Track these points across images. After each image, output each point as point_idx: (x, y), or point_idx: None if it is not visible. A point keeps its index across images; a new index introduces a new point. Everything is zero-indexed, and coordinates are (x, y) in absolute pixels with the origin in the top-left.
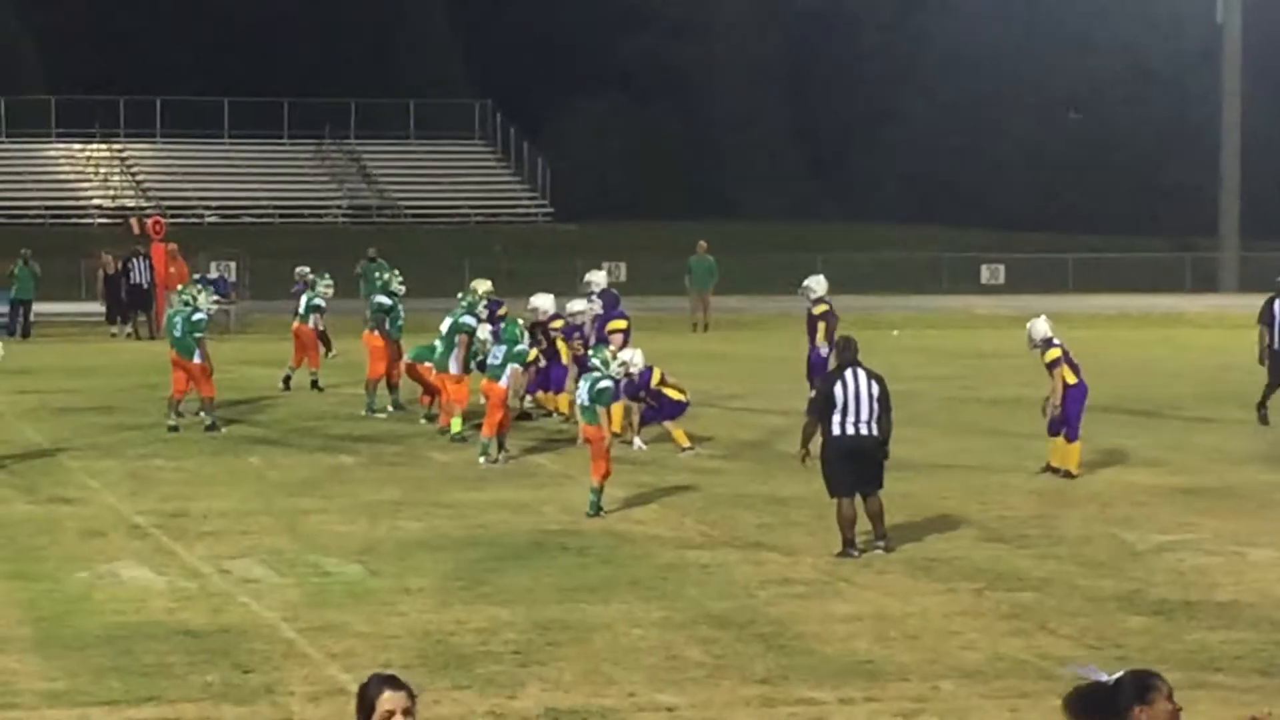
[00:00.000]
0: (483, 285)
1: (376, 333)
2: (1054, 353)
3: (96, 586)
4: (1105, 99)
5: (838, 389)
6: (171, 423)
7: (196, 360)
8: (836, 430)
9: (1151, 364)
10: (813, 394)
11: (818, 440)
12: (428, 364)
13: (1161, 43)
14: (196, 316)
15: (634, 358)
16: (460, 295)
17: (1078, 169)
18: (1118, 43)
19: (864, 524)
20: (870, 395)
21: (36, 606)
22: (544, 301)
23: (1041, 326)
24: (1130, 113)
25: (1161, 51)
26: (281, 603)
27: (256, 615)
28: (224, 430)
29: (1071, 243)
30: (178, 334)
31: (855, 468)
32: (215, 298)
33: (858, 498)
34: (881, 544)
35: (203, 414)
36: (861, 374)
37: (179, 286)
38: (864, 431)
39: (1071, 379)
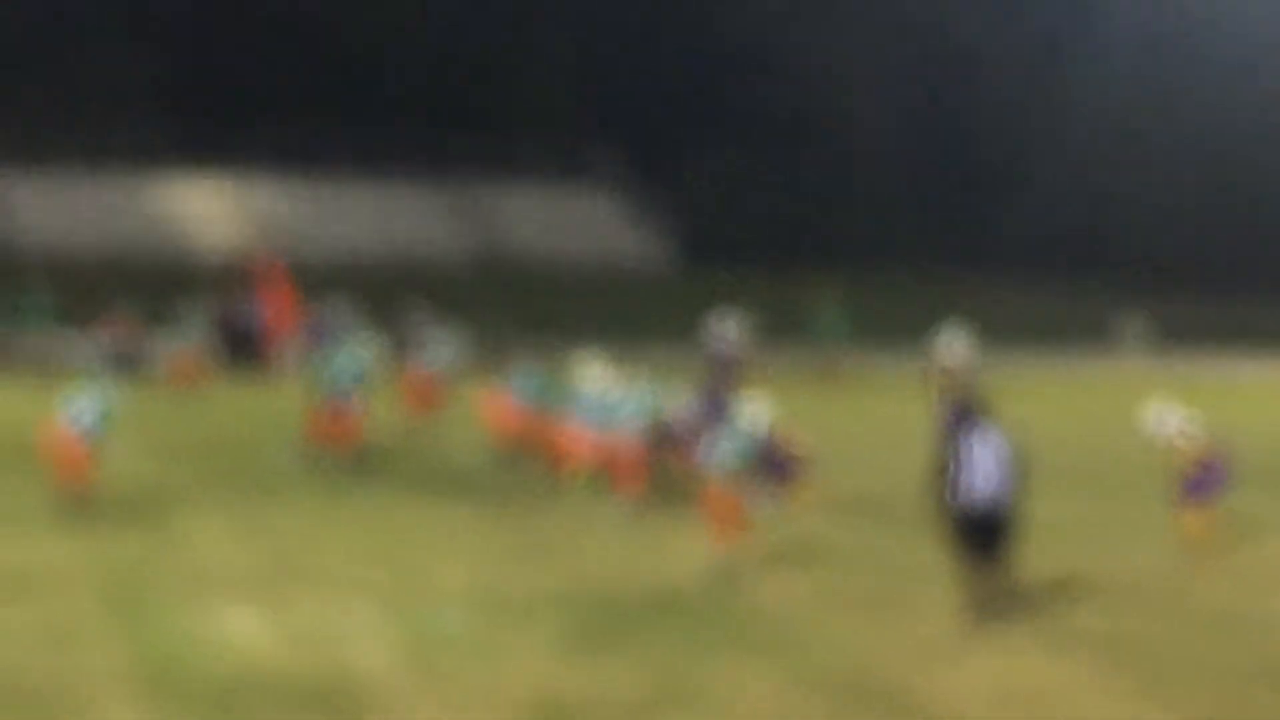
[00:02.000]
0: (590, 366)
1: (506, 394)
2: (1178, 439)
3: (204, 633)
4: (1251, 153)
5: (966, 450)
6: (293, 463)
7: (335, 405)
8: (964, 492)
9: None
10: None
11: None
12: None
13: None
14: (352, 368)
15: (758, 412)
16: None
17: (1224, 224)
18: (1264, 95)
19: (988, 588)
20: (999, 457)
21: (143, 653)
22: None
23: (1165, 417)
24: (1277, 167)
25: None
26: (392, 654)
27: (366, 666)
28: (365, 477)
29: (1217, 301)
30: (322, 379)
31: (982, 531)
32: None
33: (983, 561)
34: (1005, 609)
35: (326, 458)
36: (992, 434)
37: (328, 335)
38: (992, 494)
39: (1203, 457)
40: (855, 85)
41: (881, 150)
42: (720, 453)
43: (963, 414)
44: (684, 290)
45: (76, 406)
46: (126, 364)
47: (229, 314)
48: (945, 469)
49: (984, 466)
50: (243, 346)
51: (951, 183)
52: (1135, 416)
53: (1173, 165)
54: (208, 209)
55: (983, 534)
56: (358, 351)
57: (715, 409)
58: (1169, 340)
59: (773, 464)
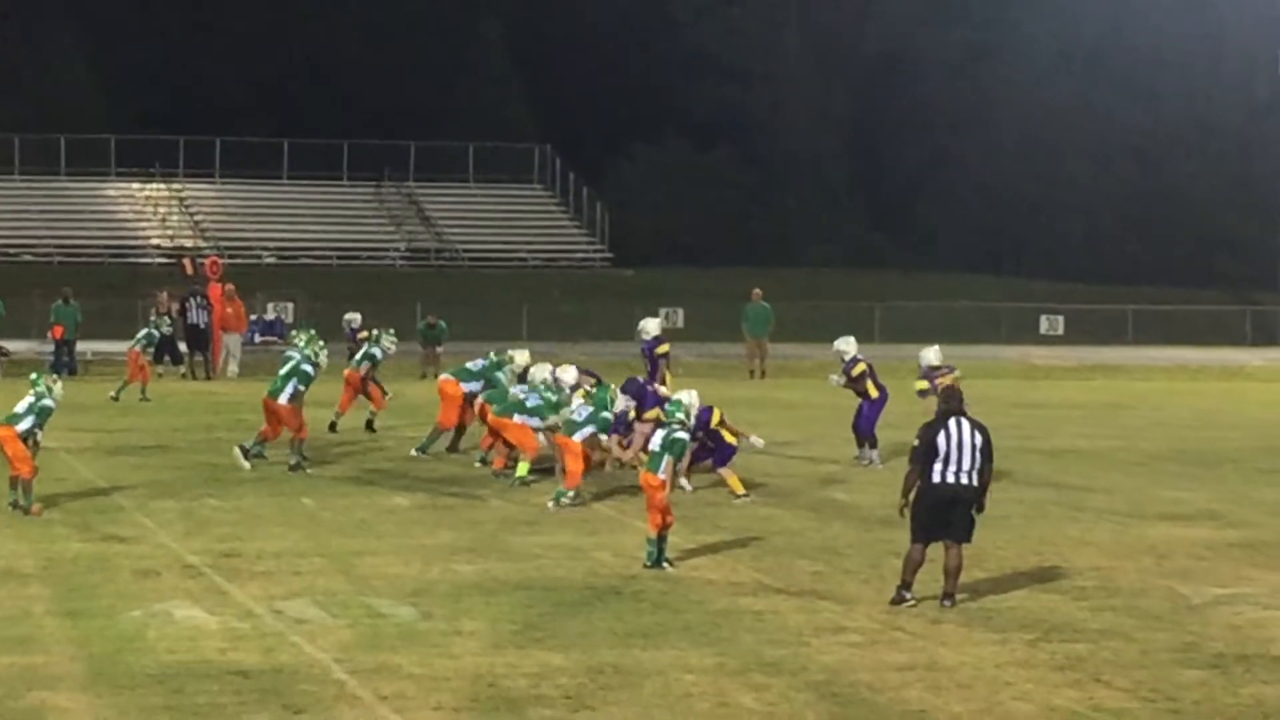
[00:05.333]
0: (520, 355)
1: (458, 382)
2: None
3: (149, 625)
4: (1169, 150)
5: (941, 438)
6: (294, 462)
7: (283, 401)
8: (936, 478)
9: (1210, 416)
10: (915, 443)
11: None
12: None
13: (1226, 94)
14: (305, 367)
15: (690, 399)
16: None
17: (1140, 220)
18: (1183, 93)
19: (927, 581)
20: (973, 445)
21: (89, 644)
22: (569, 375)
23: (931, 354)
24: (1193, 164)
25: (1227, 102)
26: (334, 644)
27: (309, 656)
28: (309, 470)
29: (1131, 294)
30: (282, 374)
31: (947, 517)
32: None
33: (940, 549)
34: (948, 603)
35: (290, 453)
36: (965, 423)
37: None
38: (964, 481)
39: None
40: (786, 87)
41: (813, 151)
42: (655, 442)
43: (939, 402)
44: (616, 286)
45: (21, 404)
46: (68, 362)
47: (174, 311)
48: (923, 456)
49: (960, 453)
50: (193, 343)
51: (880, 183)
52: (1055, 404)
53: (1089, 170)
54: (154, 211)
55: (951, 519)
56: (304, 348)
57: (646, 402)
58: (1088, 333)
59: (709, 450)
